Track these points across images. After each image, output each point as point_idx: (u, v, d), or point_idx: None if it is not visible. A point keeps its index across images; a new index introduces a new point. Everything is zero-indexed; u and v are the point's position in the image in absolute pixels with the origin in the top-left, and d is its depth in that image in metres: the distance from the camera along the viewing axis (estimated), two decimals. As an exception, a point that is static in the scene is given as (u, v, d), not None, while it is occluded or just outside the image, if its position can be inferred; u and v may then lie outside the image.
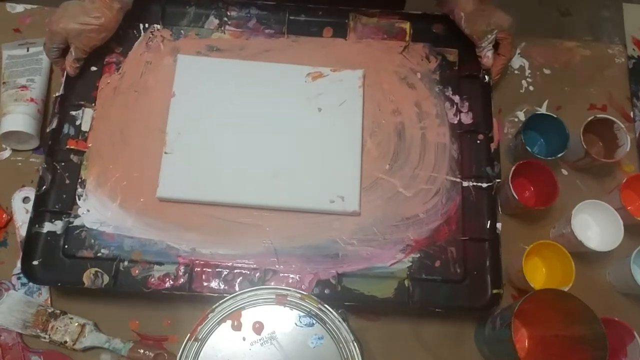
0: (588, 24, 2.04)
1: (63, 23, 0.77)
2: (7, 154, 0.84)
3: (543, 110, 0.90)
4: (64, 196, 0.77)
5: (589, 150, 0.80)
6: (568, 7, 2.04)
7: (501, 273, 0.76)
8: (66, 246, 0.74)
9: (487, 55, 0.83)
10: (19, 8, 0.94)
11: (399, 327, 0.77)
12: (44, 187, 0.76)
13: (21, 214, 0.80)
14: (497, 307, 0.74)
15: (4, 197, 0.81)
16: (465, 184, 0.80)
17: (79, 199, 0.76)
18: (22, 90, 0.83)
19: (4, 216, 0.80)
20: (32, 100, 0.83)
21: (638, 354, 0.69)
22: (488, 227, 0.77)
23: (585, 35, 2.00)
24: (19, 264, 0.76)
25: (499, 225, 0.77)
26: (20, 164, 0.84)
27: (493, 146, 0.81)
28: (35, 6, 0.94)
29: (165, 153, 0.78)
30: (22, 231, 0.78)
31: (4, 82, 0.85)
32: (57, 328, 0.74)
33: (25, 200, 0.81)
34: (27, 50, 0.87)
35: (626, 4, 0.99)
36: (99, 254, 0.74)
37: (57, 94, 0.82)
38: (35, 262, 0.73)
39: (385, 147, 0.81)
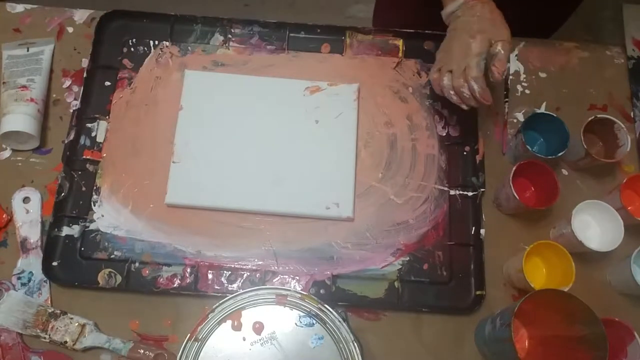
0: (588, 24, 2.05)
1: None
2: (7, 154, 0.83)
3: (542, 111, 0.89)
4: (81, 202, 0.80)
5: (589, 150, 0.79)
6: (569, 7, 2.07)
7: (484, 276, 0.78)
8: (82, 248, 0.78)
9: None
10: (19, 8, 0.92)
11: (399, 327, 0.77)
12: (63, 194, 0.80)
13: (21, 214, 0.79)
14: (480, 307, 0.77)
15: (4, 197, 0.81)
16: (452, 192, 0.83)
17: (94, 205, 0.80)
18: (22, 90, 0.83)
19: (4, 216, 0.79)
20: (32, 100, 0.82)
21: (638, 354, 0.68)
22: (472, 232, 0.81)
23: (585, 35, 2.00)
24: (19, 264, 0.77)
25: (482, 231, 0.80)
26: (20, 164, 0.83)
27: (478, 158, 0.84)
28: (35, 6, 0.93)
29: (173, 162, 0.81)
30: (22, 231, 0.79)
31: (4, 82, 0.84)
32: (57, 328, 0.73)
33: (25, 200, 0.80)
34: (27, 50, 0.87)
35: (626, 5, 0.98)
36: (112, 256, 0.77)
37: (74, 108, 0.84)
38: (54, 263, 0.77)
39: (378, 157, 0.84)
